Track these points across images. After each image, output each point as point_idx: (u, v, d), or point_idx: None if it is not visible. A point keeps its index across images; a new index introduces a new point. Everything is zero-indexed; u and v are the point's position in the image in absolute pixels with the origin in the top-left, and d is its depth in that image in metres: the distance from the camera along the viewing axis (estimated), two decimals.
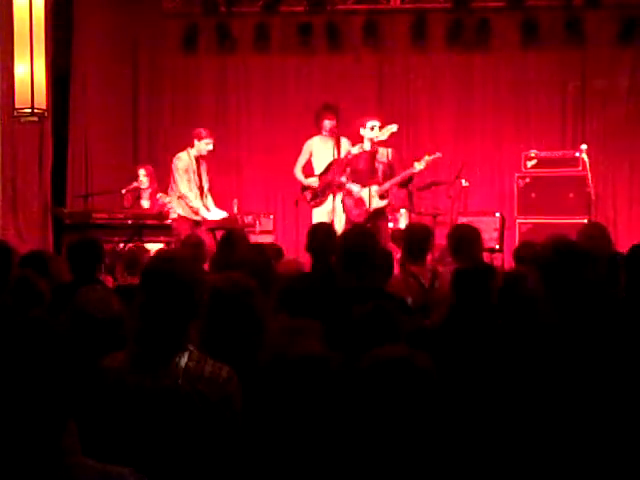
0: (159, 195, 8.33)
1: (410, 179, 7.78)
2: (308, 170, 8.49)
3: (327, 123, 8.23)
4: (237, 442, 2.41)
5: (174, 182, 8.14)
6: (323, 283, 4.26)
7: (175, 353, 2.58)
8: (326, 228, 5.19)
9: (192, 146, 8.15)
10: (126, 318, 2.95)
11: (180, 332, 2.62)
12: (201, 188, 8.17)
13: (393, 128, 7.75)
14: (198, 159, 8.17)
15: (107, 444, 2.41)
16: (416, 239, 5.18)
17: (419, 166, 7.56)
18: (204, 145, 8.12)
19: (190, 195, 8.03)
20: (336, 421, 2.00)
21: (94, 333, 2.90)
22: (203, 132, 8.14)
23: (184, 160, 8.12)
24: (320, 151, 8.37)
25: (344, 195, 7.74)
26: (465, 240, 5.15)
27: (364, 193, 7.62)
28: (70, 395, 1.71)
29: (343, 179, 7.69)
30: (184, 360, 2.57)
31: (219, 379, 2.56)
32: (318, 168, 8.38)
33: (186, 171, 8.09)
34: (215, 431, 2.52)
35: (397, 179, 7.62)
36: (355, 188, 7.64)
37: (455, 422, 2.31)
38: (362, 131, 7.69)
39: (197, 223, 8.00)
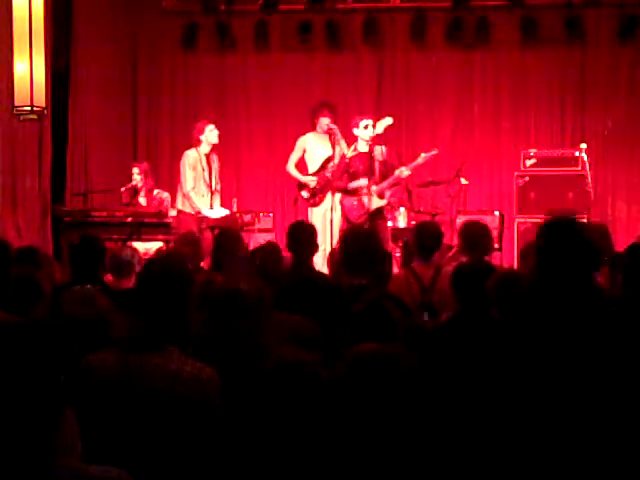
0: (156, 191, 8.32)
1: (404, 184, 7.72)
2: (301, 167, 8.46)
3: (324, 120, 8.18)
4: (217, 442, 2.41)
5: (181, 179, 8.07)
6: (307, 281, 4.26)
7: (154, 354, 2.59)
8: (306, 227, 5.20)
9: (199, 143, 8.05)
10: (113, 319, 2.97)
11: (161, 333, 2.63)
12: (210, 186, 8.04)
13: (388, 121, 7.70)
14: (208, 156, 8.06)
15: (86, 443, 2.41)
16: (426, 238, 5.18)
17: (406, 172, 7.46)
18: (209, 133, 7.99)
19: (193, 195, 7.96)
20: (322, 424, 2.00)
21: (76, 333, 2.90)
22: (202, 125, 8.00)
23: (192, 157, 7.99)
24: (314, 148, 8.33)
25: (343, 196, 7.66)
26: (478, 237, 5.16)
27: (359, 183, 7.52)
28: (60, 396, 1.72)
29: (351, 184, 7.54)
30: (163, 361, 2.58)
31: (199, 380, 2.56)
32: (312, 165, 8.35)
33: (193, 168, 7.97)
34: (195, 432, 2.52)
35: (388, 182, 7.53)
36: (359, 183, 7.49)
37: (449, 423, 2.30)
38: (355, 131, 7.59)
39: (200, 220, 7.94)
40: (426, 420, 1.84)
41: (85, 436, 2.41)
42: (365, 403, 1.82)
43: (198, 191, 8.01)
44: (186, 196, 7.97)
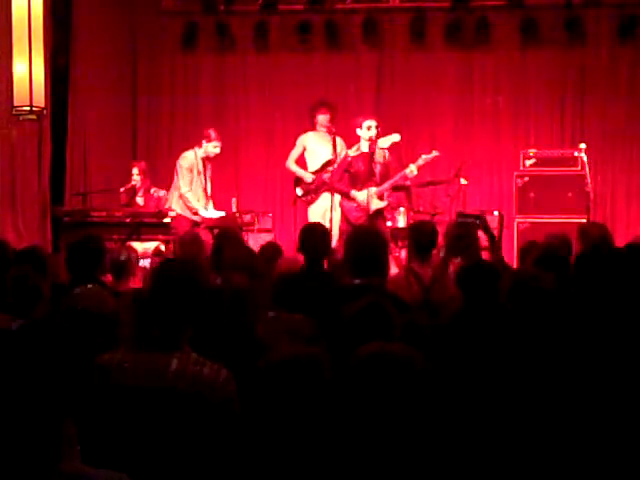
0: (153, 190, 8.32)
1: (406, 186, 7.72)
2: (301, 165, 8.46)
3: (322, 118, 8.18)
4: (236, 443, 2.41)
5: (177, 180, 8.09)
6: (318, 282, 4.28)
7: (173, 354, 2.59)
8: (319, 229, 5.19)
9: (200, 146, 8.07)
10: (121, 318, 2.96)
11: (178, 334, 2.62)
12: (205, 190, 8.11)
13: (396, 138, 7.67)
14: (204, 160, 8.10)
15: (103, 445, 2.41)
16: (422, 237, 5.18)
17: (412, 169, 7.45)
18: (212, 148, 8.02)
19: (189, 195, 7.98)
20: (329, 421, 1.99)
21: (89, 330, 2.90)
22: (212, 134, 8.02)
23: (189, 159, 8.04)
24: (315, 147, 8.32)
25: (343, 197, 7.67)
26: (465, 237, 5.16)
27: (363, 195, 7.56)
28: (67, 399, 1.71)
29: (353, 192, 7.55)
30: (182, 362, 2.58)
31: (218, 381, 2.57)
32: (312, 164, 8.34)
33: (190, 170, 8.02)
34: (214, 432, 2.52)
35: (391, 182, 7.55)
36: (360, 197, 7.55)
37: (454, 420, 2.30)
38: (358, 131, 7.60)
39: (196, 223, 7.96)
40: (431, 418, 1.84)
41: (103, 439, 2.40)
42: (371, 402, 1.82)
43: (194, 194, 8.04)
44: (183, 197, 7.98)
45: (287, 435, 2.08)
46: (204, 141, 8.03)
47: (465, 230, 5.24)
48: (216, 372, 2.59)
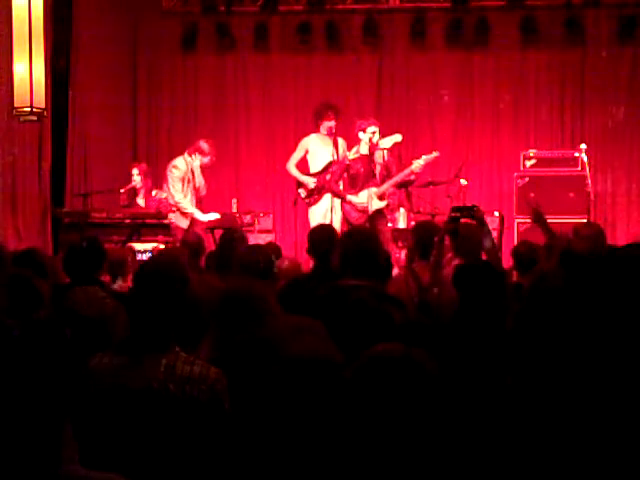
0: (155, 192, 8.31)
1: (410, 182, 7.72)
2: (303, 167, 8.47)
3: (328, 123, 8.17)
4: (228, 441, 2.41)
5: (169, 189, 8.01)
6: (325, 284, 4.28)
7: (162, 355, 2.59)
8: (327, 231, 5.18)
9: (190, 155, 8.01)
10: (118, 320, 2.97)
11: (166, 334, 2.63)
12: (198, 198, 8.08)
13: (397, 138, 7.68)
14: (194, 171, 8.05)
15: (95, 446, 2.41)
16: (425, 237, 5.16)
17: (417, 164, 7.47)
18: (206, 160, 8.02)
19: (184, 202, 7.92)
20: (336, 421, 1.99)
21: (83, 332, 2.90)
22: (206, 148, 7.99)
23: (181, 169, 7.98)
24: (317, 150, 8.32)
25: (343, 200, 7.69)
26: (466, 237, 5.15)
27: (363, 196, 7.56)
28: (67, 400, 1.71)
29: (349, 197, 7.57)
30: (171, 362, 2.58)
31: (207, 380, 2.57)
32: (314, 167, 8.35)
33: (182, 179, 7.97)
34: (205, 431, 2.53)
35: (396, 179, 7.56)
36: (355, 199, 7.56)
37: (459, 420, 2.29)
38: (361, 135, 7.61)
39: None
40: (435, 420, 1.84)
41: (94, 441, 2.40)
42: (375, 403, 1.81)
43: (189, 200, 8.01)
44: (177, 206, 7.92)
45: (292, 435, 2.08)
46: (197, 153, 8.00)
47: (453, 226, 5.21)
48: (206, 370, 2.59)
